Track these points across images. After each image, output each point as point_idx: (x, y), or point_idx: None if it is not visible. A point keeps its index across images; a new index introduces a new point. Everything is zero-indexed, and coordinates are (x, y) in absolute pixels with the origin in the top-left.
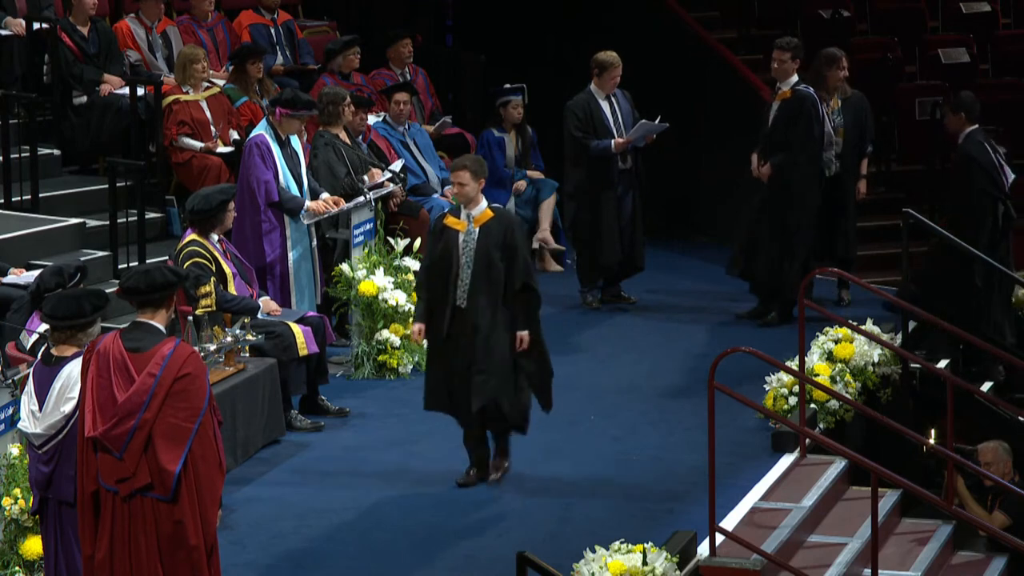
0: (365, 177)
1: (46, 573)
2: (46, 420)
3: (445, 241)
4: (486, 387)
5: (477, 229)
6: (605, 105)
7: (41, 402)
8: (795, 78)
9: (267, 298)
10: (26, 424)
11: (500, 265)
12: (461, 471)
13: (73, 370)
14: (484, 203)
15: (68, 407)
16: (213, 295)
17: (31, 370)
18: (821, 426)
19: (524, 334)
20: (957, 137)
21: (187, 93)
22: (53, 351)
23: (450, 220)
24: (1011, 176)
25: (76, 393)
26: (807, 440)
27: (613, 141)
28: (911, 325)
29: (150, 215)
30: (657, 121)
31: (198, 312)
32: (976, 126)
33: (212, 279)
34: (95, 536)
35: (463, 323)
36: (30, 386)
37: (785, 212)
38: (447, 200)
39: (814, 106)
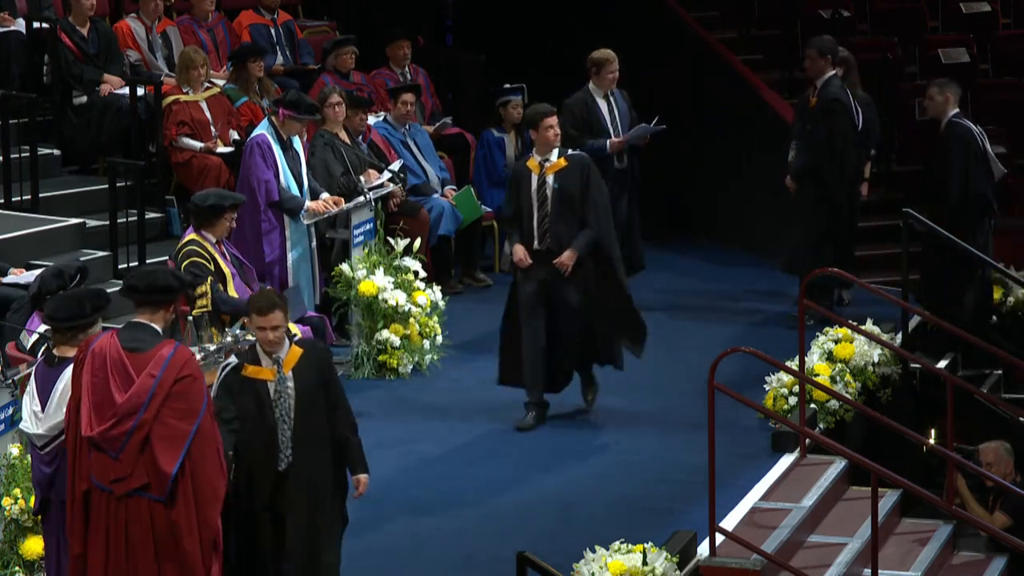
0: (362, 177)
1: (47, 573)
2: (49, 421)
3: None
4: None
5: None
6: (603, 104)
7: (43, 403)
8: (828, 74)
9: None
10: (28, 425)
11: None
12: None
13: None
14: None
15: None
16: (209, 295)
17: (33, 371)
18: (821, 426)
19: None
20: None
21: (187, 93)
22: (55, 352)
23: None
24: (1002, 170)
25: None
26: (807, 440)
27: (609, 141)
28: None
29: (150, 215)
30: (654, 123)
31: (195, 312)
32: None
33: (209, 279)
34: (84, 535)
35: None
36: (32, 387)
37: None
38: (447, 200)
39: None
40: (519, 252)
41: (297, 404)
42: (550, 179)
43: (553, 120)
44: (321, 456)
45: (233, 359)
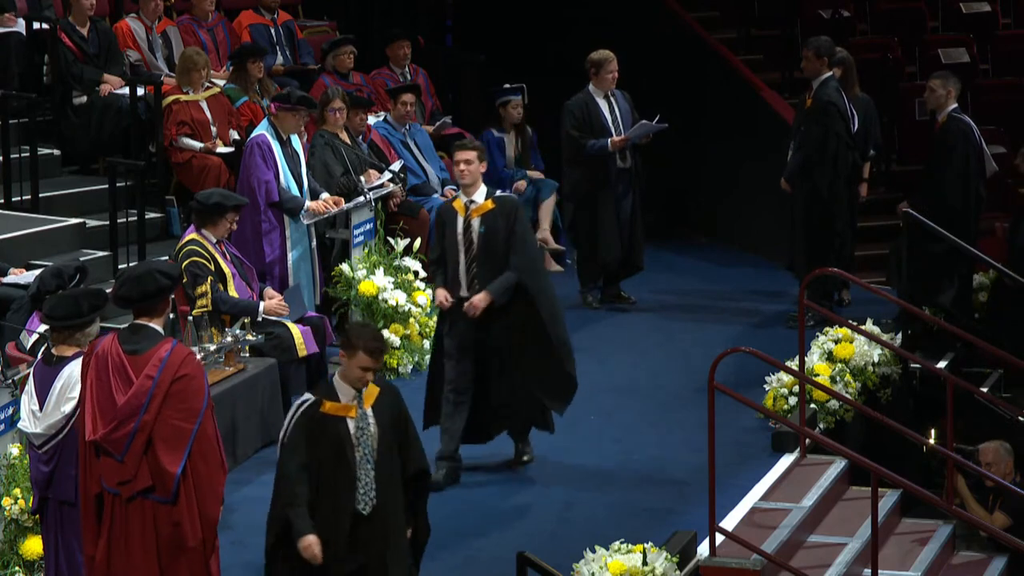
0: (362, 178)
1: (46, 573)
2: (47, 420)
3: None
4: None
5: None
6: (603, 104)
7: (42, 402)
8: (824, 75)
9: (269, 289)
10: (27, 424)
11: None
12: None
13: (74, 370)
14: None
15: (68, 407)
16: (209, 295)
17: (32, 370)
18: (821, 426)
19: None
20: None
21: (187, 93)
22: (53, 351)
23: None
24: (994, 168)
25: (77, 393)
26: (807, 440)
27: (610, 140)
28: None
29: (150, 215)
30: (656, 121)
31: (195, 312)
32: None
33: (209, 279)
34: (97, 537)
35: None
36: (31, 386)
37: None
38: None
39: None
40: (440, 295)
41: (379, 442)
42: (475, 222)
43: (468, 155)
44: (398, 497)
45: (309, 395)
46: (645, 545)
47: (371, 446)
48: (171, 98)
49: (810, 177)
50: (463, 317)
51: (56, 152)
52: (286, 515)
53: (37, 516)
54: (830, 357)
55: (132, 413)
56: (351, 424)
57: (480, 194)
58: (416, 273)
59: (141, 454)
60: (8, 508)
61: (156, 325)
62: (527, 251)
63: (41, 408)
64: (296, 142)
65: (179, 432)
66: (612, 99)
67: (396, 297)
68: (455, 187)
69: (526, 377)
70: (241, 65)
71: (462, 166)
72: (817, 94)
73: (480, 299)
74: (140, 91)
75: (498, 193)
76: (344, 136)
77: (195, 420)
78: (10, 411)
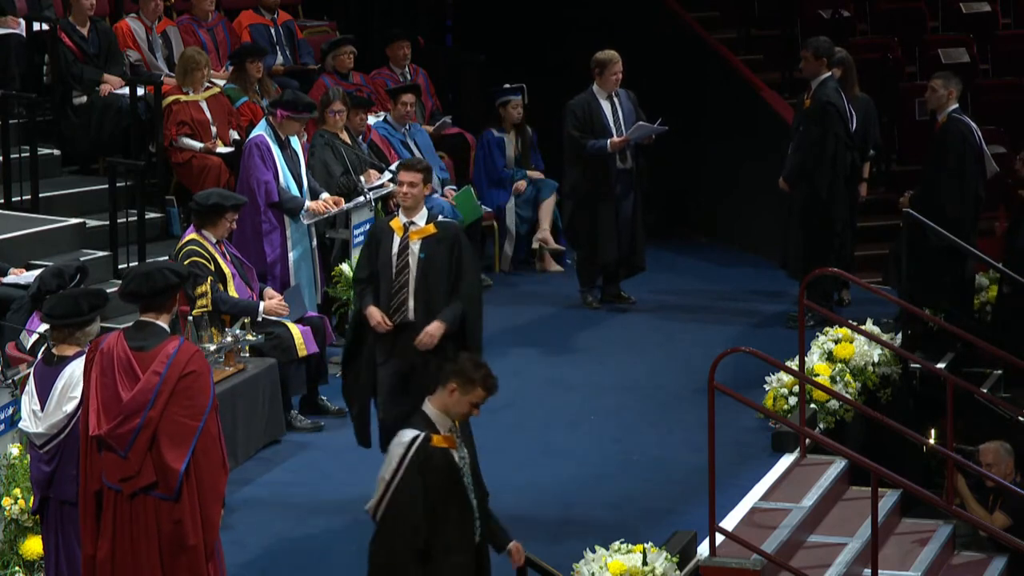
0: (361, 178)
1: (46, 573)
2: (48, 419)
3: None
4: None
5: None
6: (606, 105)
7: (43, 402)
8: (823, 76)
9: (269, 289)
10: (27, 424)
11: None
12: None
13: (75, 370)
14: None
15: (70, 406)
16: (209, 295)
17: (32, 370)
18: (821, 426)
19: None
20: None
21: (187, 93)
22: (54, 351)
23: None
24: (994, 168)
25: (78, 393)
26: (807, 440)
27: (610, 140)
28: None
29: (150, 215)
30: (657, 124)
31: (195, 313)
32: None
33: (209, 279)
34: (97, 535)
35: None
36: (31, 386)
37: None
38: (447, 200)
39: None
40: (376, 315)
41: (472, 471)
42: (414, 245)
43: (412, 176)
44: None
45: (416, 431)
46: (645, 545)
47: (470, 475)
48: (171, 98)
49: (809, 178)
50: (397, 349)
51: (56, 152)
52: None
53: (37, 516)
54: (830, 357)
55: (138, 409)
56: (455, 455)
57: (421, 217)
58: None
59: (145, 450)
60: (8, 508)
61: (163, 323)
62: (474, 283)
63: (42, 408)
64: (295, 142)
65: (184, 429)
66: (615, 99)
67: None
68: (455, 187)
69: None
70: (240, 65)
71: (405, 188)
72: (816, 95)
73: (436, 328)
74: (140, 91)
75: (440, 218)
76: (344, 136)
77: (200, 418)
78: (10, 411)
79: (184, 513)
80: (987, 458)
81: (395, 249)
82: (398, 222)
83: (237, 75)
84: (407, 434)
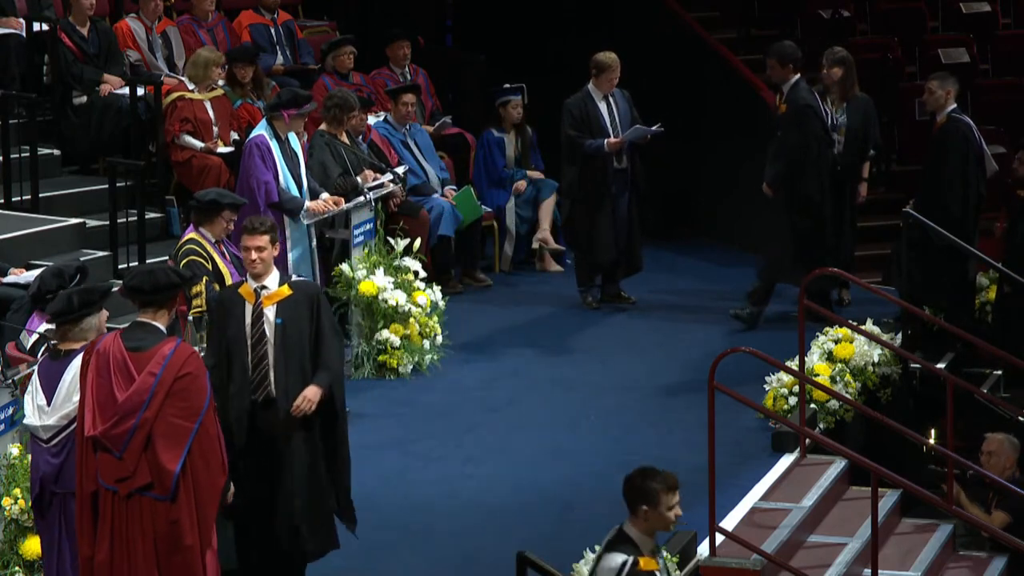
0: (359, 178)
1: (47, 567)
2: (58, 411)
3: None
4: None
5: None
6: (602, 105)
7: (49, 396)
8: (792, 79)
9: None
10: (33, 419)
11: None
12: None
13: None
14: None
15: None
16: (204, 295)
17: (36, 367)
18: (821, 426)
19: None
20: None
21: (192, 91)
22: (60, 347)
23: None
24: (994, 168)
25: None
26: (807, 440)
27: (606, 141)
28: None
29: (150, 215)
30: (655, 127)
31: (192, 313)
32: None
33: (204, 279)
34: (94, 536)
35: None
36: (35, 382)
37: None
38: (447, 200)
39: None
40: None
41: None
42: (270, 312)
43: (259, 241)
44: None
45: (624, 556)
46: None
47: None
48: (175, 95)
49: (797, 182)
50: (269, 425)
51: (56, 152)
52: None
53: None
54: (830, 357)
55: (133, 409)
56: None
57: (273, 279)
58: (416, 273)
59: (140, 451)
60: (8, 508)
61: (160, 323)
62: (338, 351)
63: (49, 403)
64: (294, 142)
65: (179, 430)
66: (611, 100)
67: (396, 297)
68: (455, 187)
69: (325, 500)
70: (229, 69)
71: (253, 254)
72: (790, 98)
73: (313, 393)
74: (140, 91)
75: (294, 278)
76: (344, 136)
77: (196, 419)
78: (10, 411)
79: (181, 513)
80: (990, 447)
81: (248, 319)
82: (248, 288)
83: (229, 78)
84: (615, 559)
